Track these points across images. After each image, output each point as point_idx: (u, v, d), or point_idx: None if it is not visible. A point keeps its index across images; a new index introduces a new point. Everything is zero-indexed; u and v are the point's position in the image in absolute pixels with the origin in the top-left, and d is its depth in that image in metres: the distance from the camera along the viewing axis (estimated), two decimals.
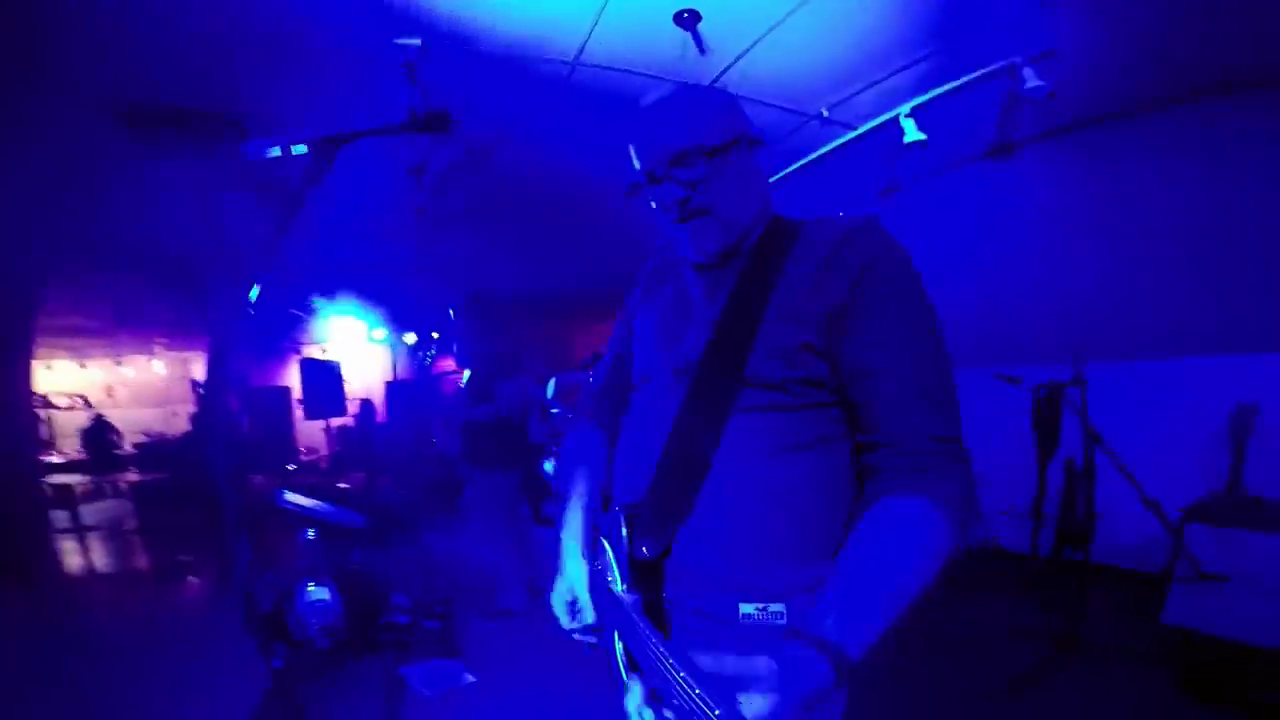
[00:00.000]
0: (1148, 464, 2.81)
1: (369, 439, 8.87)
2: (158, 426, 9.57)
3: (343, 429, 9.48)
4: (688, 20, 2.33)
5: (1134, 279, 3.52)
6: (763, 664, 0.61)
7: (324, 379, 7.39)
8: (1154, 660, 2.40)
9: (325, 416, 7.19)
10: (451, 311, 3.54)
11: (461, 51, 2.52)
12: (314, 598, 2.73)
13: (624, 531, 0.88)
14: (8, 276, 5.85)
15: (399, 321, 7.70)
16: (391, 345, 7.78)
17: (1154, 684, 2.29)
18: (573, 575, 0.99)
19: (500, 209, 4.70)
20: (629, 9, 2.31)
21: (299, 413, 11.09)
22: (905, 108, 3.25)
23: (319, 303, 7.90)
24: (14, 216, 4.23)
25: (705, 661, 0.61)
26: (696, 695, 0.56)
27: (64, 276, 5.93)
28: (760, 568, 0.81)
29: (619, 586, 0.88)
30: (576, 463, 1.11)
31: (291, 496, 3.51)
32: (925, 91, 3.12)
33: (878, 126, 3.51)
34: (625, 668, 0.84)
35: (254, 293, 1.07)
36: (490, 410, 3.32)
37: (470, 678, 2.80)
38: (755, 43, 2.58)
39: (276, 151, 1.04)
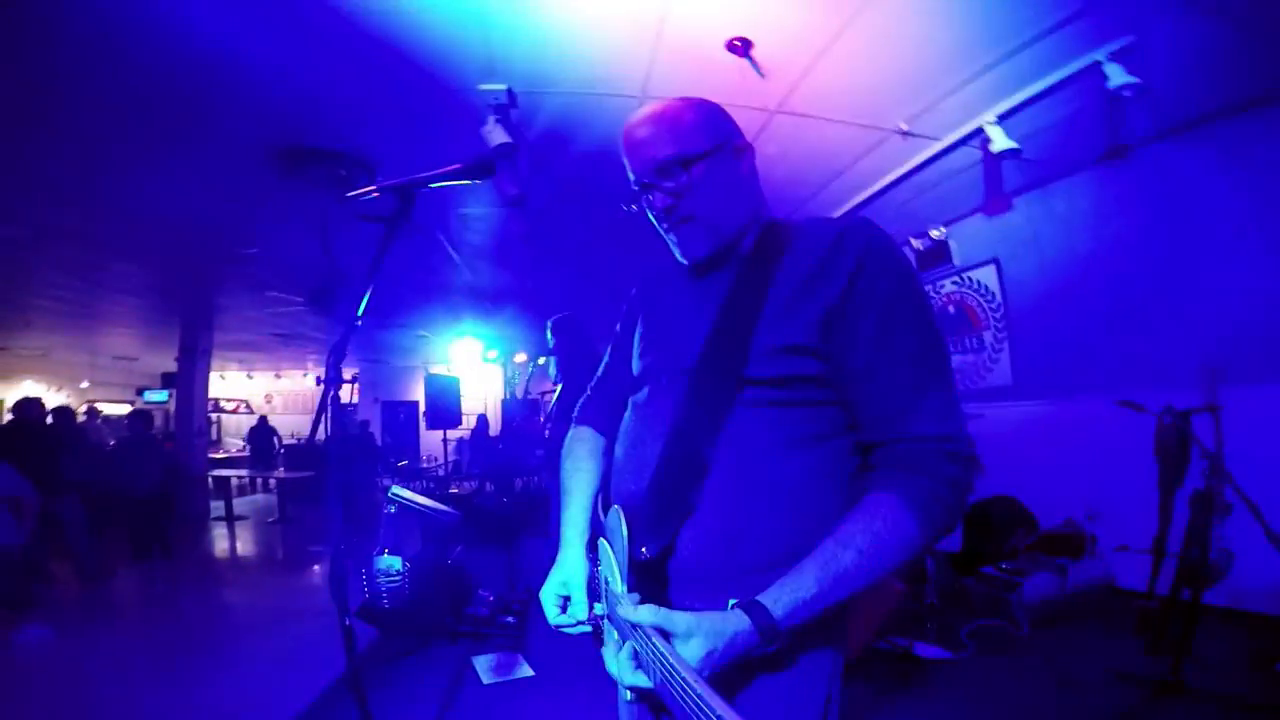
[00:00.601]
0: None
1: (480, 451, 9.57)
2: (305, 431, 10.86)
3: (460, 440, 10.28)
4: (740, 48, 2.47)
5: (1276, 291, 3.13)
6: (701, 618, 0.73)
7: (444, 394, 8.09)
8: (1261, 710, 2.13)
9: (444, 428, 7.85)
10: (549, 332, 3.79)
11: (541, 94, 2.83)
12: (384, 564, 3.12)
13: (623, 532, 0.88)
14: (195, 298, 7.08)
15: (512, 342, 8.30)
16: (504, 365, 8.37)
17: None
18: (569, 571, 1.00)
19: (593, 235, 5.04)
20: (681, 41, 2.48)
21: (423, 425, 12.24)
22: (990, 115, 3.17)
23: (440, 323, 8.73)
24: (195, 246, 5.14)
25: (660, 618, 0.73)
26: (696, 694, 0.58)
27: (236, 299, 7.07)
28: (760, 565, 0.82)
29: (619, 586, 0.87)
30: (576, 464, 1.13)
31: (398, 491, 3.95)
32: (1008, 97, 3.04)
33: (965, 138, 3.43)
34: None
35: (362, 305, 1.33)
36: None
37: (529, 671, 2.98)
38: (815, 59, 2.64)
39: (374, 195, 1.28)
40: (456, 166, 1.07)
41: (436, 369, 11.28)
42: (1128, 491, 3.54)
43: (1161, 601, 3.00)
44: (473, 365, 10.64)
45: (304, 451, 8.87)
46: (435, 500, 4.22)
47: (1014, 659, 2.90)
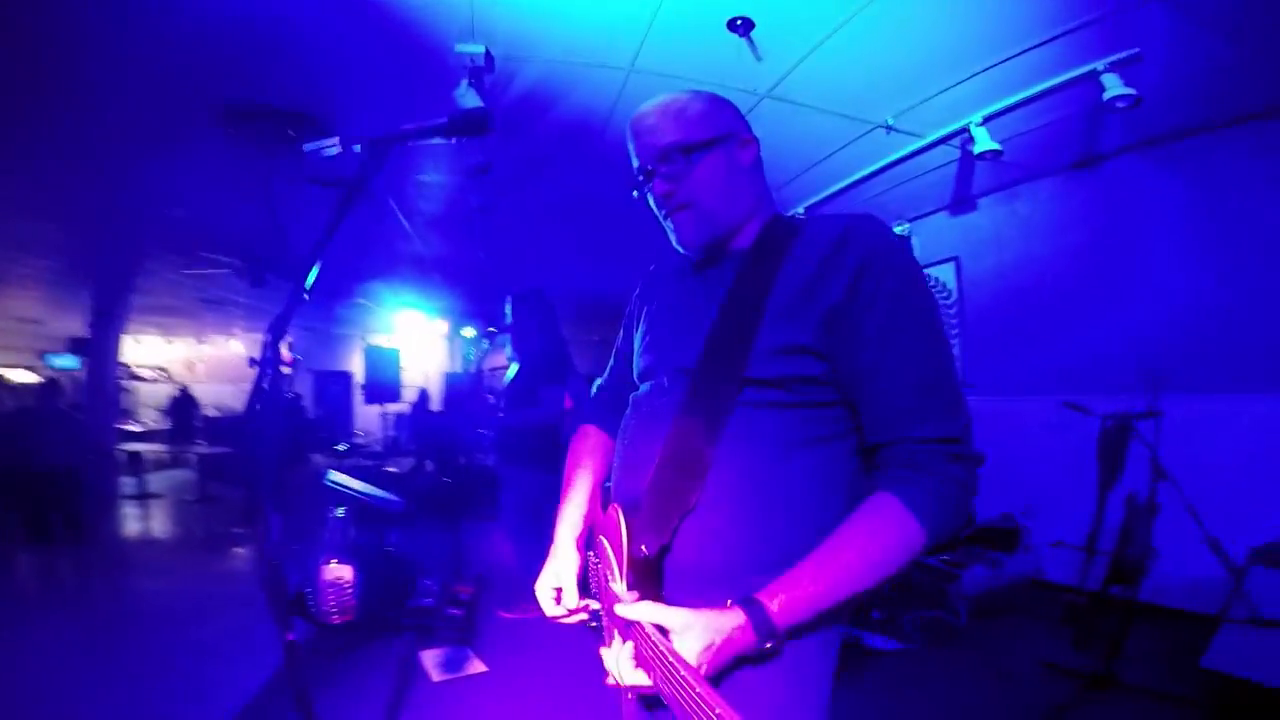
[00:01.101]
0: (1216, 502, 2.67)
1: (421, 427, 9.24)
2: (230, 402, 10.20)
3: (398, 416, 9.89)
4: (741, 27, 2.36)
5: (1223, 306, 3.29)
6: (699, 615, 0.73)
7: (385, 366, 7.73)
8: (1187, 704, 2.27)
9: (383, 401, 7.50)
10: (507, 306, 3.59)
11: (521, 59, 2.64)
12: (334, 575, 2.89)
13: (624, 529, 0.88)
14: (112, 257, 6.45)
15: (460, 315, 7.98)
16: (450, 338, 8.06)
17: None
18: (561, 564, 1.03)
19: (558, 211, 4.85)
20: (682, 16, 2.35)
21: (358, 398, 11.71)
22: (976, 116, 3.17)
23: (383, 293, 8.29)
24: (117, 203, 4.65)
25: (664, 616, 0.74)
26: (696, 693, 0.58)
27: (160, 261, 6.48)
28: (759, 565, 0.81)
29: (619, 584, 0.88)
30: (577, 462, 1.15)
31: (336, 477, 3.69)
32: (998, 100, 3.05)
33: (948, 136, 3.44)
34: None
35: (310, 278, 1.13)
36: (535, 416, 3.29)
37: (481, 667, 2.86)
38: (813, 49, 2.58)
39: (335, 149, 1.09)
40: (443, 120, 0.95)
41: (376, 339, 10.78)
42: (1064, 490, 3.73)
43: (1090, 596, 3.19)
44: (415, 337, 10.23)
45: (228, 425, 8.31)
46: (373, 484, 4.00)
47: (955, 651, 3.00)
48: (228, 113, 3.14)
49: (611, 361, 1.23)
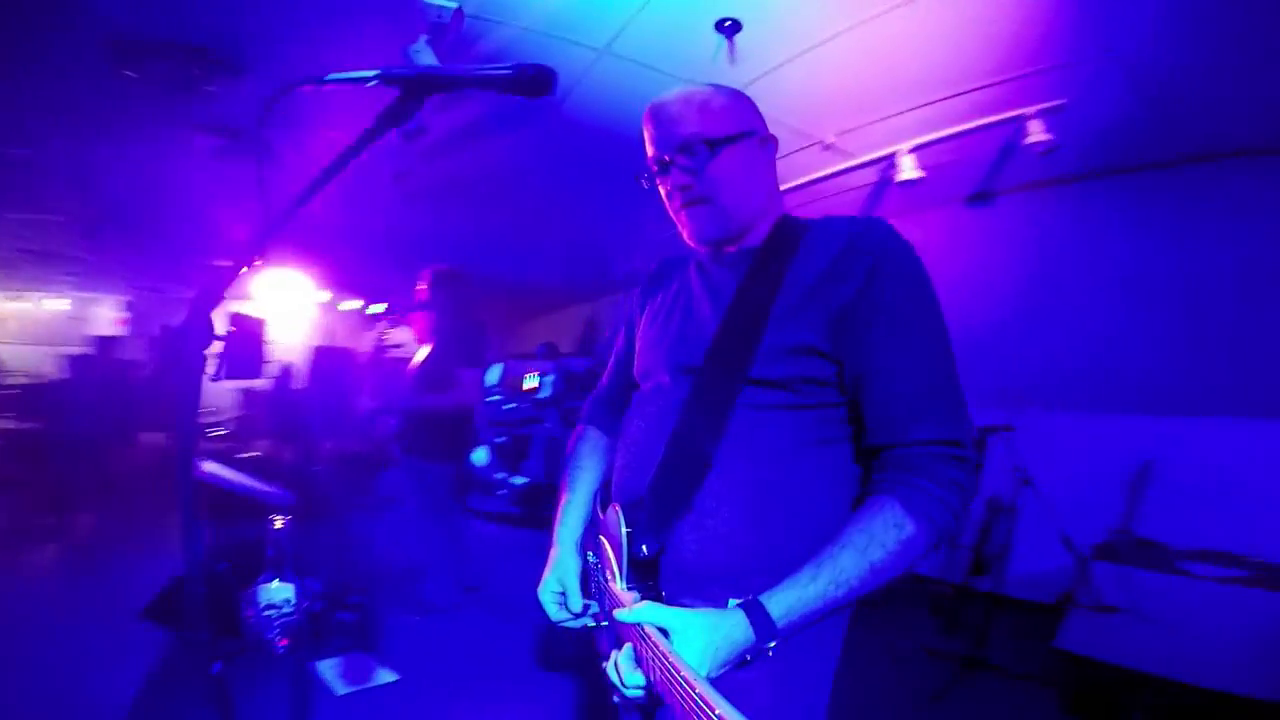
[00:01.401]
0: (1063, 505, 3.08)
1: (283, 406, 8.35)
2: (45, 368, 8.65)
3: (250, 392, 8.85)
4: (729, 28, 2.39)
5: (1080, 338, 3.82)
6: (700, 615, 0.74)
7: (248, 337, 6.87)
8: (1045, 682, 2.65)
9: (244, 377, 6.66)
10: (427, 284, 3.36)
11: (492, 22, 2.48)
12: (276, 595, 2.52)
13: (623, 530, 0.88)
14: None
15: (345, 287, 7.31)
16: (333, 309, 7.35)
17: (1045, 704, 2.55)
18: (563, 567, 1.02)
19: (487, 187, 4.62)
20: (676, 8, 2.34)
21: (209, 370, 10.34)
22: (906, 145, 3.44)
23: (252, 254, 7.38)
24: None
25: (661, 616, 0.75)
26: (697, 695, 0.58)
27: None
28: (760, 566, 0.81)
29: (620, 585, 0.88)
30: (578, 463, 1.14)
31: (211, 467, 3.24)
32: (929, 132, 3.29)
33: (876, 160, 3.67)
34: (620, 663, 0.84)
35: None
36: (450, 400, 3.11)
37: (390, 675, 2.65)
38: (786, 61, 2.65)
39: (373, 83, 0.83)
40: (506, 71, 0.78)
41: (236, 306, 9.57)
42: None
43: (954, 587, 3.61)
44: (286, 307, 9.21)
45: (38, 394, 6.99)
46: (249, 474, 3.57)
47: (851, 634, 3.28)
48: (115, 48, 2.66)
49: (611, 362, 1.21)
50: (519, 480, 6.14)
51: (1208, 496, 3.11)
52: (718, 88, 0.97)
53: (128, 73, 2.77)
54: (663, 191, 0.99)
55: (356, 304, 7.41)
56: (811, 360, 0.85)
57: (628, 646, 0.78)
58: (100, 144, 3.80)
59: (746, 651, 0.74)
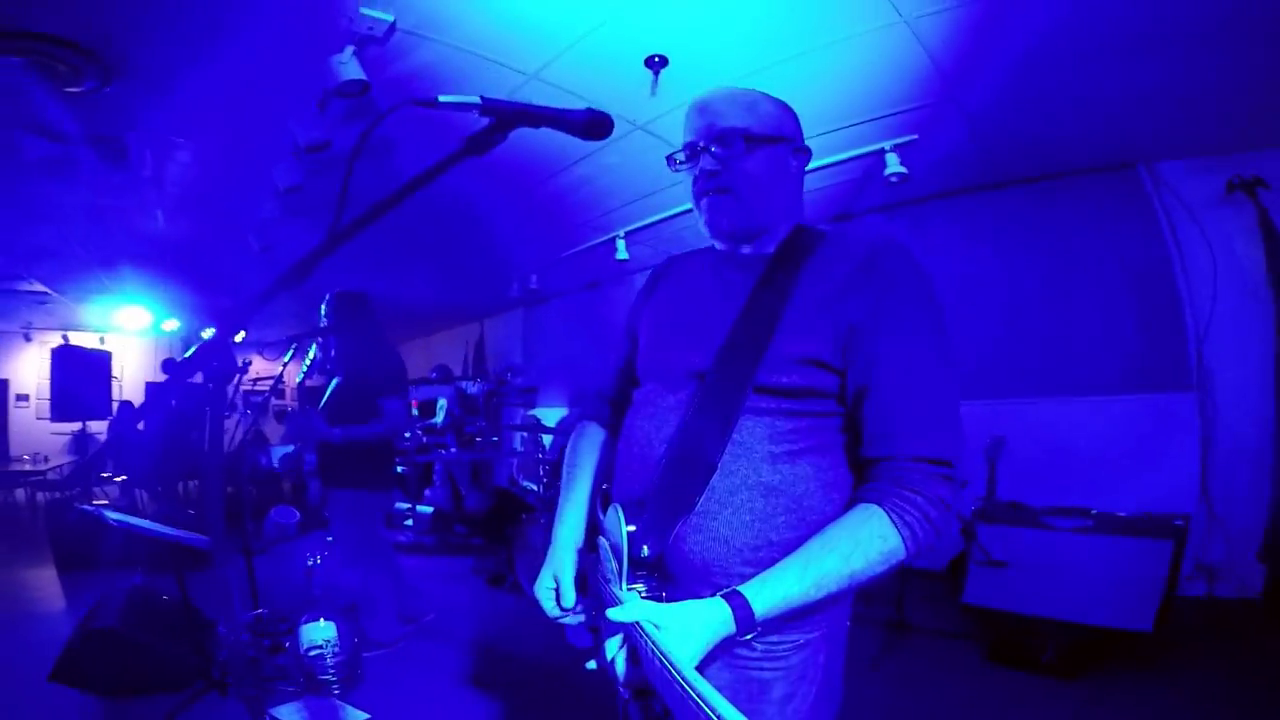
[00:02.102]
0: None
1: (126, 449, 7.32)
2: None
3: (81, 435, 7.68)
4: (657, 64, 2.56)
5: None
6: (684, 607, 0.78)
7: (85, 373, 5.98)
8: (963, 637, 3.05)
9: (84, 418, 5.81)
10: (324, 308, 3.18)
11: (421, 38, 2.46)
12: (319, 638, 2.29)
13: (623, 530, 0.88)
14: None
15: (200, 313, 6.55)
16: (186, 339, 6.56)
17: (967, 655, 2.92)
18: (558, 564, 1.02)
19: (359, 202, 4.39)
20: (607, 43, 2.47)
21: (17, 412, 8.78)
22: None
23: (82, 279, 6.43)
24: None
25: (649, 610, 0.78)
26: (696, 691, 0.60)
27: None
28: (760, 568, 0.83)
29: (620, 585, 0.88)
30: (579, 460, 1.14)
31: (115, 515, 2.87)
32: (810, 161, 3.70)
33: None
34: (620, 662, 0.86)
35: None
36: (376, 430, 2.95)
37: (361, 715, 2.47)
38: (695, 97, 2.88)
39: (472, 101, 0.81)
40: (580, 114, 0.80)
41: (41, 336, 8.22)
42: None
43: None
44: (111, 337, 8.09)
45: None
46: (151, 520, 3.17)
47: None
48: None
49: (613, 363, 1.21)
50: (425, 509, 5.87)
51: (1047, 462, 3.74)
52: (767, 95, 1.00)
53: None
54: (690, 177, 1.00)
55: (211, 332, 6.67)
56: (819, 371, 0.87)
57: (625, 644, 0.81)
58: None
59: (728, 638, 0.78)
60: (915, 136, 3.30)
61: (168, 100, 2.93)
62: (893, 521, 0.80)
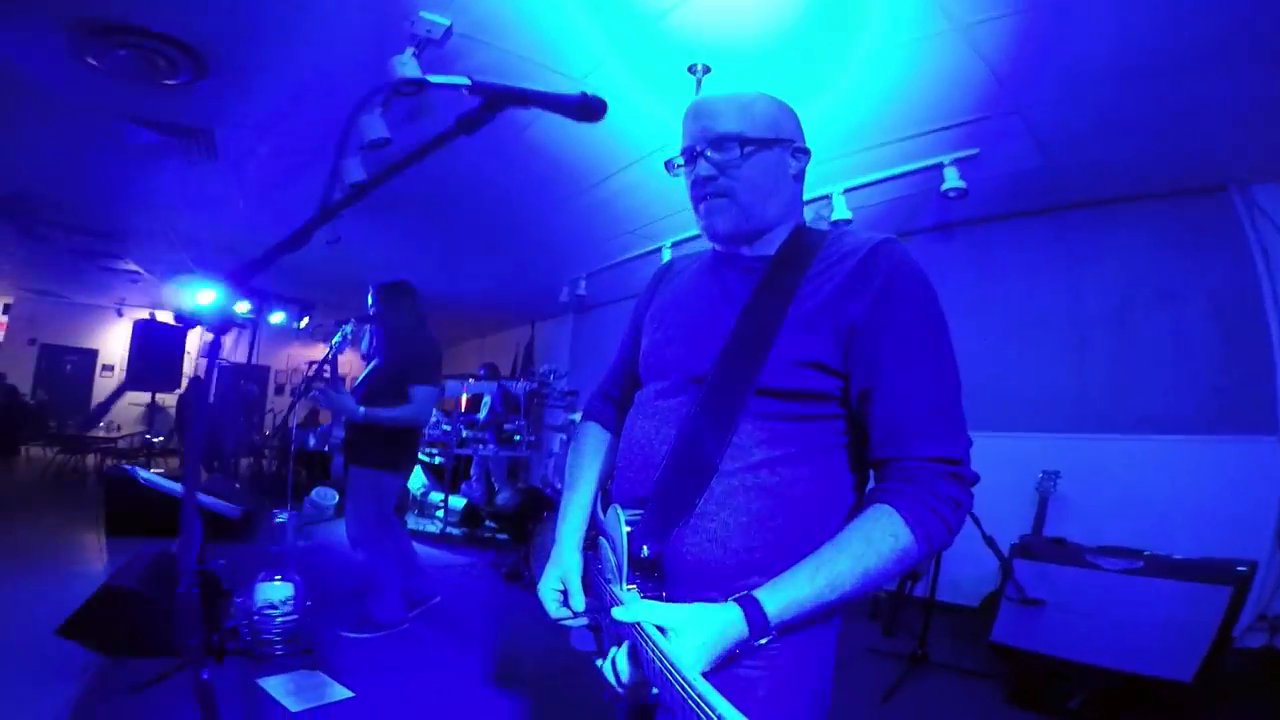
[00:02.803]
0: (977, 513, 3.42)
1: (195, 422, 7.80)
2: None
3: (150, 407, 8.26)
4: (700, 72, 2.60)
5: (981, 364, 4.25)
6: (695, 610, 0.77)
7: (161, 347, 6.43)
8: (986, 676, 2.90)
9: (155, 389, 6.24)
10: (371, 297, 3.32)
11: (479, 42, 2.58)
12: (276, 594, 2.33)
13: (625, 530, 0.89)
14: None
15: (267, 298, 6.95)
16: (255, 324, 6.98)
17: (988, 695, 2.78)
18: (566, 565, 1.01)
19: (440, 203, 4.61)
20: (652, 48, 2.52)
21: (102, 381, 9.51)
22: (840, 187, 3.77)
23: (164, 258, 6.96)
24: None
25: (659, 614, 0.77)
26: (697, 693, 0.59)
27: None
28: (761, 569, 0.83)
29: (620, 585, 0.88)
30: (579, 461, 1.14)
31: (148, 476, 3.05)
32: (860, 175, 3.62)
33: (811, 200, 4.00)
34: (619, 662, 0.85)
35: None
36: (405, 414, 3.04)
37: (345, 692, 2.52)
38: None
39: (461, 81, 0.85)
40: (574, 97, 0.84)
41: (132, 313, 8.90)
42: None
43: (889, 594, 3.87)
44: (202, 319, 8.64)
45: None
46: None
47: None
48: (81, 25, 2.56)
49: (616, 358, 1.21)
50: (458, 501, 6.01)
51: (1099, 500, 3.53)
52: (763, 95, 0.99)
53: (89, 60, 2.65)
54: (688, 182, 1.00)
55: (281, 316, 7.08)
56: (819, 374, 0.87)
57: (626, 644, 0.80)
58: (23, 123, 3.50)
59: (739, 646, 0.76)
60: (976, 150, 3.19)
61: (251, 96, 3.16)
62: (905, 520, 0.80)
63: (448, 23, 2.36)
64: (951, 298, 3.20)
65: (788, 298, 0.90)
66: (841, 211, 3.77)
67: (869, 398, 0.86)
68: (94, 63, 2.73)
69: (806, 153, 1.01)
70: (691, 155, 0.97)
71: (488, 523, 5.84)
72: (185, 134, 3.66)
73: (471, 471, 6.58)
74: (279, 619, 2.41)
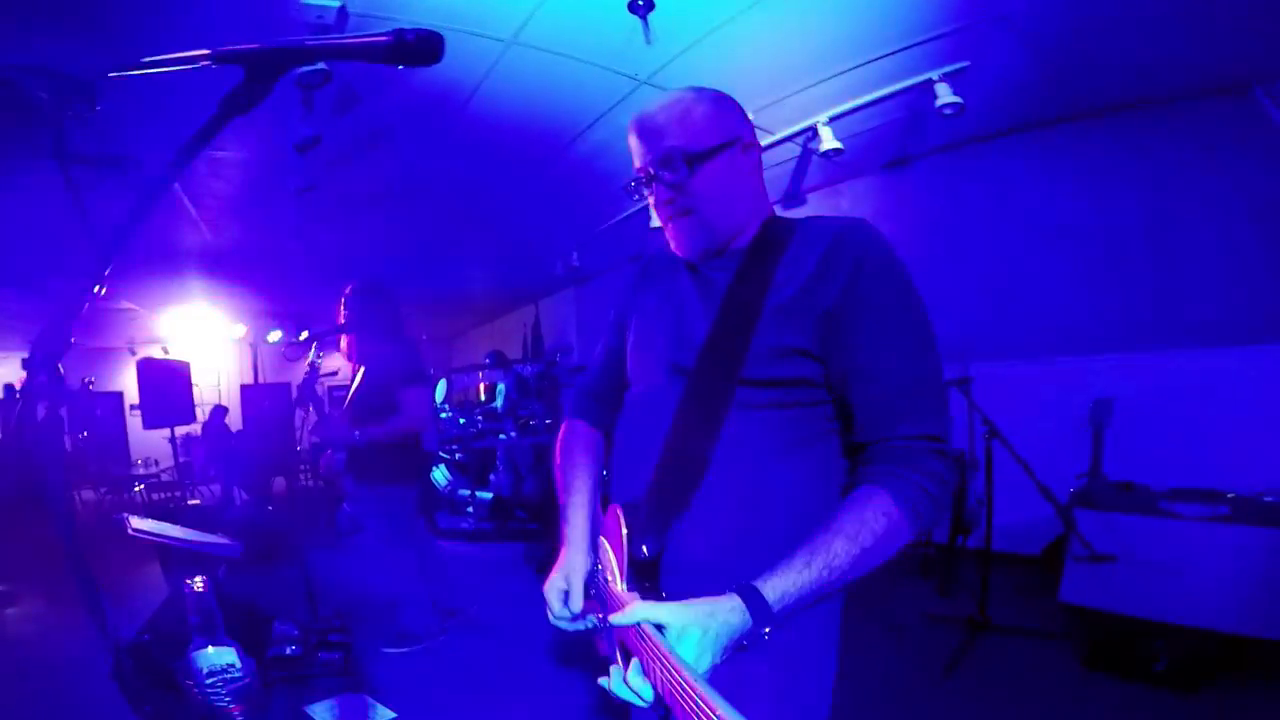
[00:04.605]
0: (1025, 454, 3.10)
1: (221, 450, 7.86)
2: None
3: (188, 439, 8.32)
4: (642, 8, 2.22)
5: (1011, 286, 3.89)
6: (694, 606, 0.74)
7: (167, 382, 6.38)
8: (1057, 637, 2.64)
9: (171, 424, 6.20)
10: (343, 302, 3.09)
11: (381, 18, 2.23)
12: (217, 661, 2.21)
13: (623, 531, 0.89)
14: None
15: (264, 317, 6.86)
16: (253, 344, 6.88)
17: (1061, 659, 2.52)
18: (571, 565, 1.00)
19: (395, 194, 4.31)
20: None
21: (133, 420, 9.63)
22: (824, 116, 3.37)
23: (158, 294, 6.85)
24: None
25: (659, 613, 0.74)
26: (698, 695, 0.57)
27: None
28: (758, 563, 0.81)
29: (619, 585, 0.89)
30: (575, 460, 1.13)
31: (139, 524, 2.93)
32: (844, 102, 3.25)
33: (797, 134, 3.62)
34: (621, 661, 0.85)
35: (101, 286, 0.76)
36: (398, 424, 2.90)
37: (388, 714, 2.48)
38: (696, 41, 2.53)
39: (206, 63, 0.65)
40: (383, 38, 0.65)
41: (145, 350, 8.91)
42: None
43: (940, 549, 3.61)
44: (203, 346, 8.64)
45: None
46: (180, 524, 3.27)
47: (845, 613, 3.22)
48: None
49: (599, 359, 1.20)
50: (485, 495, 5.91)
51: (1159, 429, 3.19)
52: (700, 94, 0.96)
53: None
54: (650, 202, 0.99)
55: (278, 335, 6.95)
56: (801, 361, 0.87)
57: (635, 661, 0.77)
58: None
59: (744, 638, 0.74)
60: (966, 63, 2.82)
61: (157, 113, 2.86)
62: (895, 500, 0.80)
63: (337, 4, 2.00)
64: (970, 216, 2.84)
65: (764, 288, 0.90)
66: (830, 142, 3.39)
67: (848, 381, 0.86)
68: None
69: (756, 145, 0.99)
70: (646, 178, 0.96)
71: (518, 513, 5.74)
72: (112, 162, 3.39)
73: (497, 463, 6.47)
74: (224, 685, 2.30)
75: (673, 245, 1.00)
